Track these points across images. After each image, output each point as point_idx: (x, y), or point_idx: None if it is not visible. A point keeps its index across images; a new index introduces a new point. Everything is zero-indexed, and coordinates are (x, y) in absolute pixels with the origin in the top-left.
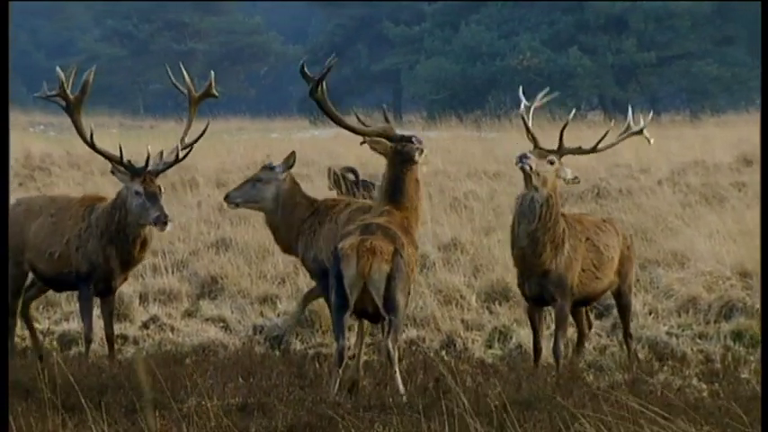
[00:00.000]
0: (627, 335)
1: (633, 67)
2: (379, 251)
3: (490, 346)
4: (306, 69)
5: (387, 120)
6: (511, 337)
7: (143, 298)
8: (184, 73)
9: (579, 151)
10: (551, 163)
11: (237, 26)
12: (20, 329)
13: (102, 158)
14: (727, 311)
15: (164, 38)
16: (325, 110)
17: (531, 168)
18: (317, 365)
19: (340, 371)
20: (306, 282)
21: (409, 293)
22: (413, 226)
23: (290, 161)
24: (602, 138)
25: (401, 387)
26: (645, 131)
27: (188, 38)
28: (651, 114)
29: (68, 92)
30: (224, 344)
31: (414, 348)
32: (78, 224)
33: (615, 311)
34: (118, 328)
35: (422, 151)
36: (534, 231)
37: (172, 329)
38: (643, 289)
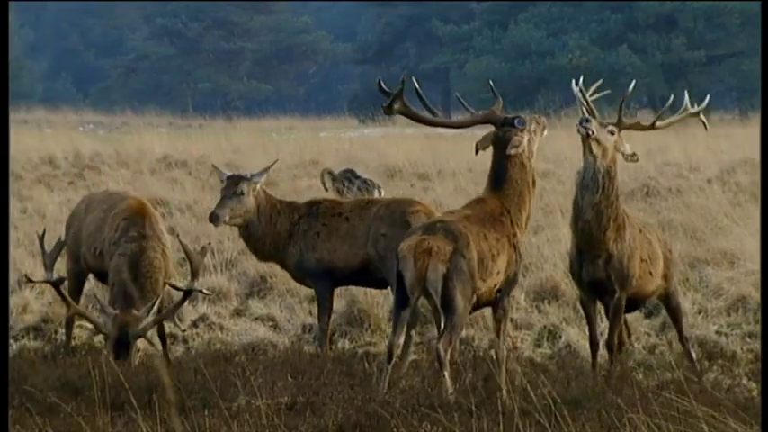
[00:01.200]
0: (682, 339)
1: (682, 65)
2: (436, 252)
3: (539, 345)
4: (383, 86)
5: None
6: (560, 337)
7: (192, 296)
8: None
9: (638, 126)
10: (611, 134)
11: (286, 25)
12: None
13: (151, 157)
14: None
15: (213, 36)
16: (413, 119)
17: (592, 133)
18: (366, 364)
19: (389, 367)
20: None
21: (514, 282)
22: (515, 214)
23: (268, 170)
24: (659, 115)
25: (449, 387)
26: (701, 114)
27: (237, 37)
28: (708, 98)
29: None
30: (273, 343)
31: (463, 347)
32: (112, 232)
33: (664, 311)
34: (167, 327)
35: (522, 139)
36: (598, 204)
37: (221, 328)
38: (692, 288)
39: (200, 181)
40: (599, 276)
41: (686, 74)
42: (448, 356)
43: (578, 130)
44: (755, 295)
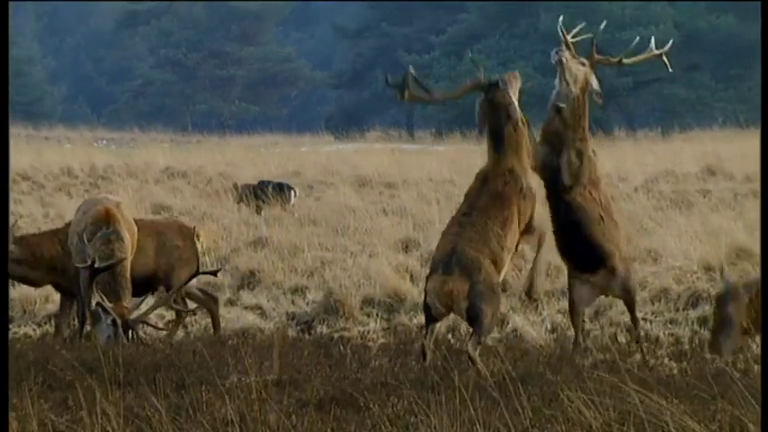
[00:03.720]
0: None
1: (613, 90)
2: (457, 294)
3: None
4: (389, 79)
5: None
6: (507, 323)
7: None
8: None
9: (607, 61)
10: (583, 65)
11: (272, 55)
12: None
13: (156, 169)
14: (693, 301)
15: (209, 65)
16: (419, 101)
17: (566, 61)
18: (341, 347)
19: (426, 363)
20: (332, 274)
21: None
22: (517, 166)
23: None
24: (627, 52)
25: (486, 374)
26: (664, 56)
27: (229, 65)
28: (671, 43)
29: None
30: (261, 328)
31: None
32: (76, 237)
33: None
34: (170, 315)
35: (510, 96)
36: (565, 124)
37: None
38: None
39: (197, 189)
40: (557, 165)
41: (616, 97)
42: (477, 353)
43: (552, 57)
44: (675, 287)
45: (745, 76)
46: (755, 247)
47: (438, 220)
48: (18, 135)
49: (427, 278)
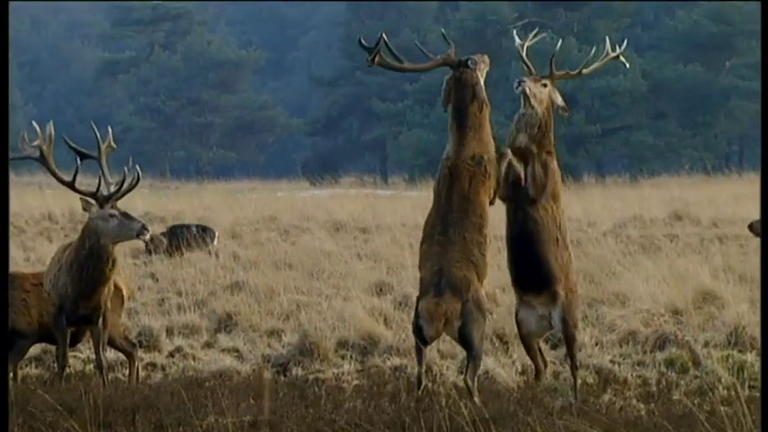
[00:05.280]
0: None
1: (582, 136)
2: (450, 315)
3: (462, 372)
4: (363, 41)
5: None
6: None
7: (169, 331)
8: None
9: (567, 75)
10: (545, 86)
11: (249, 102)
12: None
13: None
14: (661, 343)
15: (187, 112)
16: (388, 68)
17: (529, 90)
18: (316, 388)
19: (420, 392)
20: (307, 317)
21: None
22: (484, 151)
23: None
24: (584, 64)
25: (479, 403)
26: (621, 57)
27: (207, 112)
28: (626, 43)
29: (43, 145)
30: (237, 370)
31: (398, 374)
32: (57, 264)
33: None
34: (148, 357)
35: (477, 76)
36: (531, 139)
37: (194, 358)
38: (590, 324)
39: None
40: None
41: (585, 144)
42: (475, 384)
43: (515, 89)
44: (643, 330)
45: (711, 124)
46: (721, 290)
47: (411, 265)
48: None
49: (418, 300)
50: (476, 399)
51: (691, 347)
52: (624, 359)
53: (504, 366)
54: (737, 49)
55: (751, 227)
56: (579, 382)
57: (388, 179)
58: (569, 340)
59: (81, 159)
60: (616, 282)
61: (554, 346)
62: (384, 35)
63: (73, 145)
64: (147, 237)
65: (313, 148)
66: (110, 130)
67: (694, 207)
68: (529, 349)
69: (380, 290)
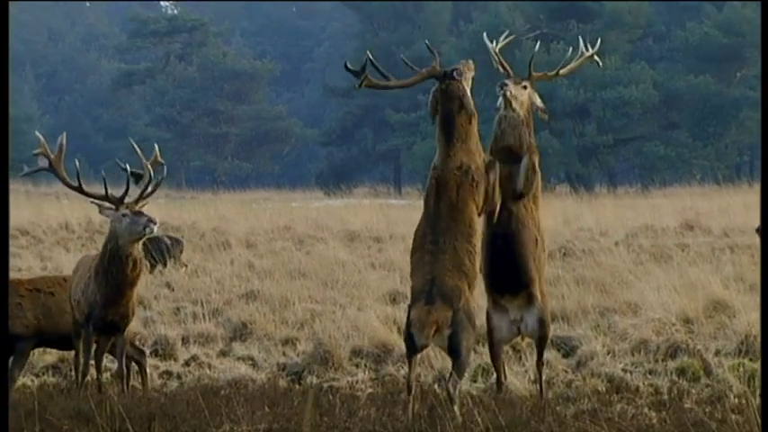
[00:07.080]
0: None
1: (594, 147)
2: (441, 323)
3: (474, 381)
4: (349, 66)
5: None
6: (492, 373)
7: (185, 340)
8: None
9: (545, 77)
10: (525, 88)
11: (264, 113)
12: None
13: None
14: (672, 351)
15: (202, 123)
16: (376, 88)
17: (510, 93)
18: (331, 396)
19: (410, 398)
20: (321, 326)
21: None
22: (472, 160)
23: None
24: (563, 65)
25: (458, 417)
26: (596, 56)
27: (223, 123)
28: (600, 42)
29: (49, 153)
30: (252, 379)
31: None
32: (87, 273)
33: (580, 351)
34: (164, 366)
35: (463, 87)
36: (515, 139)
37: (209, 366)
38: (602, 333)
39: (191, 243)
40: (505, 175)
41: (597, 154)
42: (457, 393)
43: (497, 92)
44: (655, 339)
45: (722, 135)
46: (732, 299)
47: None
48: (17, 191)
49: (409, 308)
50: (456, 408)
51: (702, 356)
52: (636, 367)
53: (517, 375)
54: (748, 60)
55: (758, 231)
56: (577, 385)
57: (402, 189)
58: (542, 341)
59: (136, 181)
60: (628, 291)
61: (566, 355)
62: (370, 54)
63: (130, 169)
64: (155, 229)
65: (327, 158)
66: (156, 147)
67: (705, 217)
68: (497, 358)
69: (394, 299)
